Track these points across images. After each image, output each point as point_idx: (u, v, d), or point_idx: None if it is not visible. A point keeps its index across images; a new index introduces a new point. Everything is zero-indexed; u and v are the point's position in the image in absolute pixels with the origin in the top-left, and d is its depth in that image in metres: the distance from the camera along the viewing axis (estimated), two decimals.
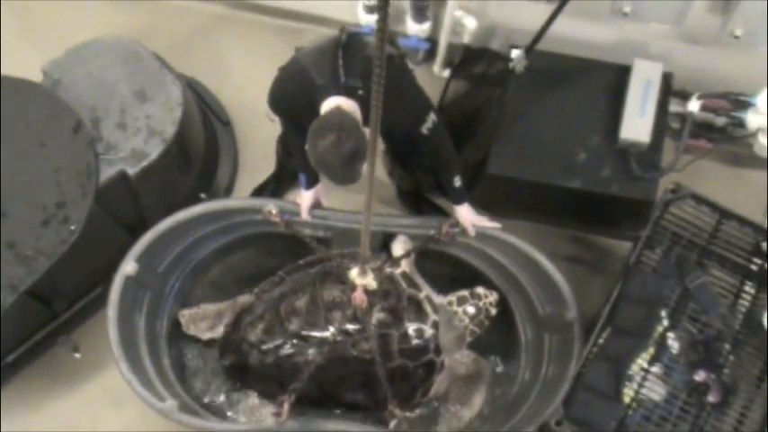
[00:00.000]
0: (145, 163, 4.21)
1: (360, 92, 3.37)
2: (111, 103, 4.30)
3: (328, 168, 3.28)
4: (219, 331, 4.31)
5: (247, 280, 4.48)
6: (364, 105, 3.32)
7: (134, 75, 4.37)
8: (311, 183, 4.04)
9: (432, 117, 3.68)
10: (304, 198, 4.08)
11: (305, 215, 4.10)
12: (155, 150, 4.23)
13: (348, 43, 3.51)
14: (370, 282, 3.54)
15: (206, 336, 4.35)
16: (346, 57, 3.45)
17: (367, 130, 3.11)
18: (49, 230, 3.99)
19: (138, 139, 4.24)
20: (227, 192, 4.96)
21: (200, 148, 4.77)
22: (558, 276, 4.07)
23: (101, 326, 4.15)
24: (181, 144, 4.37)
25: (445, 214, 4.41)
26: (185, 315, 4.38)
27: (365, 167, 3.11)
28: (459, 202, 3.99)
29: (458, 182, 3.91)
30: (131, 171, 4.19)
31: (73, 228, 4.00)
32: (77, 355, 4.49)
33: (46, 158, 4.07)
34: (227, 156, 5.05)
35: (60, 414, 4.42)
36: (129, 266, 4.07)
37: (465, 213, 4.00)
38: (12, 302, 3.92)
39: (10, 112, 4.13)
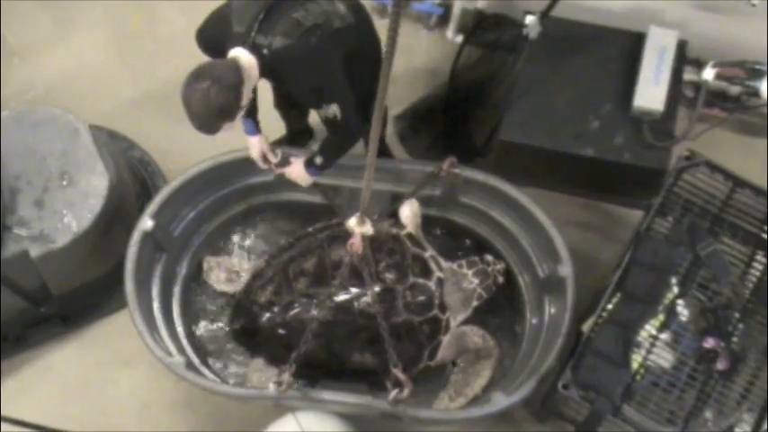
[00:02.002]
0: (49, 248, 4.13)
1: (264, 51, 3.37)
2: (36, 177, 4.22)
3: (190, 112, 3.31)
4: (233, 287, 4.39)
5: (258, 250, 4.59)
6: (265, 65, 3.37)
7: (66, 155, 4.27)
8: (255, 128, 3.96)
9: (333, 109, 3.55)
10: (252, 145, 3.99)
11: (260, 163, 4.03)
12: (62, 239, 4.15)
13: (279, 2, 3.47)
14: (368, 229, 3.55)
15: (221, 287, 4.42)
16: (269, 14, 3.41)
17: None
18: None
19: (50, 222, 4.16)
20: None
21: (129, 232, 4.42)
22: (549, 226, 4.12)
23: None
24: (99, 232, 4.26)
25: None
26: (210, 261, 4.46)
27: (228, 126, 3.33)
28: (305, 166, 3.91)
29: (319, 160, 3.82)
30: (34, 253, 4.11)
31: None
32: None
33: None
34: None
35: (69, 376, 4.46)
36: (146, 223, 4.12)
37: (296, 170, 3.94)
38: None
39: None
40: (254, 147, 3.98)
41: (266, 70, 3.42)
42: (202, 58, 3.53)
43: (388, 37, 2.10)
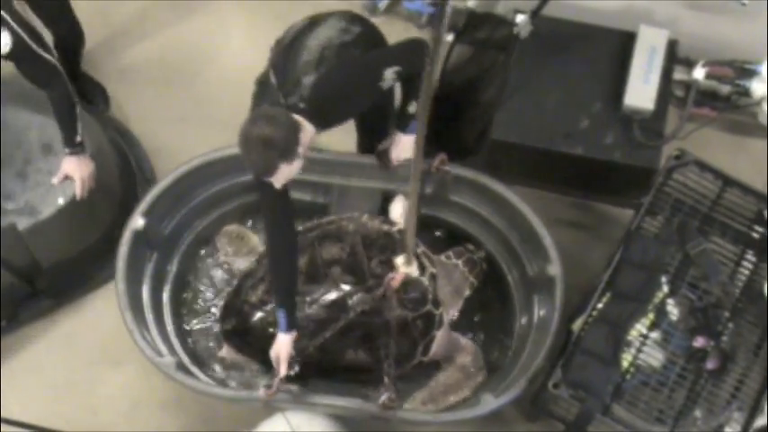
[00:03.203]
0: (37, 220, 4.15)
1: (302, 105, 3.36)
2: (17, 150, 4.23)
3: (247, 149, 3.26)
4: (238, 263, 4.42)
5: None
6: (312, 117, 3.34)
7: (46, 126, 4.25)
8: (292, 323, 3.73)
9: (387, 73, 3.49)
10: (282, 345, 3.75)
11: (284, 371, 3.77)
12: (48, 209, 4.16)
13: (264, 80, 3.53)
14: (413, 270, 3.60)
15: (222, 257, 4.47)
16: (284, 78, 3.46)
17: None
18: None
19: (35, 194, 4.17)
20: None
21: (112, 203, 4.62)
22: (538, 224, 4.12)
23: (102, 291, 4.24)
24: (83, 202, 4.24)
25: None
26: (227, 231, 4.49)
27: (287, 170, 3.25)
28: (406, 130, 3.84)
29: (413, 107, 3.73)
30: (22, 225, 4.12)
31: None
32: None
33: None
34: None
35: (59, 376, 4.44)
36: (137, 221, 4.12)
37: (407, 143, 3.81)
38: None
39: None
40: (285, 348, 3.74)
41: (317, 119, 3.38)
42: None
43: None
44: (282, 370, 3.77)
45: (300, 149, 3.27)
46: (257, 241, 4.46)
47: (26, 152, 4.23)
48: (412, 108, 3.72)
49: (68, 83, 3.98)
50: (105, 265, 4.49)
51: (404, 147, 3.85)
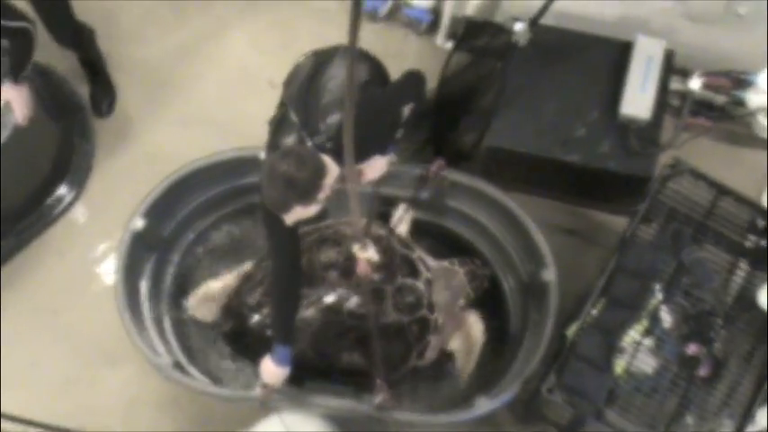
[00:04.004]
0: None
1: (329, 145, 3.34)
2: None
3: (269, 184, 3.22)
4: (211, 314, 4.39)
5: (247, 251, 4.54)
6: (337, 154, 3.27)
7: None
8: (288, 358, 3.68)
9: (405, 110, 3.56)
10: (278, 377, 3.70)
11: (268, 393, 3.78)
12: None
13: (281, 118, 3.51)
14: (372, 254, 3.56)
15: (210, 319, 4.39)
16: (307, 121, 3.42)
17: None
18: None
19: None
20: (82, 180, 4.87)
21: (51, 135, 4.70)
22: (534, 231, 4.15)
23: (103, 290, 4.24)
24: (25, 132, 4.27)
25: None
26: (191, 303, 4.41)
27: (301, 212, 3.23)
28: (385, 152, 3.77)
29: (399, 134, 3.74)
30: None
31: None
32: None
33: None
34: (84, 142, 4.93)
35: (58, 375, 4.44)
36: (137, 222, 4.13)
37: (381, 164, 3.73)
38: None
39: None
40: (269, 373, 3.70)
41: (339, 156, 3.27)
42: None
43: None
44: (267, 392, 3.77)
45: (321, 195, 3.23)
46: (222, 285, 4.38)
47: None
48: (399, 134, 3.72)
49: (32, 40, 4.04)
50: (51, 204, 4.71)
51: (378, 167, 3.75)
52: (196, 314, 4.38)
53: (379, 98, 3.49)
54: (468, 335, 4.33)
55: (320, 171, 3.19)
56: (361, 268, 3.64)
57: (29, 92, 4.23)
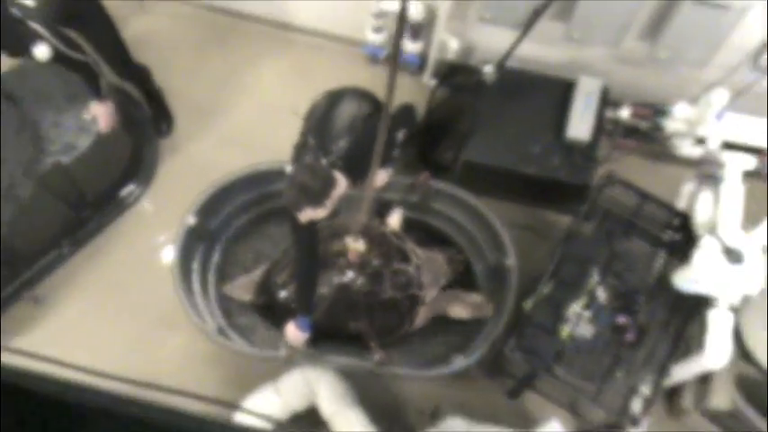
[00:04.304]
0: (77, 153, 4.18)
1: (339, 163, 3.34)
2: (48, 108, 4.25)
3: (288, 187, 3.28)
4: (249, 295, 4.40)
5: (272, 242, 4.57)
6: (344, 170, 3.33)
7: (66, 84, 4.29)
8: (308, 325, 3.75)
9: (398, 135, 3.55)
10: (300, 339, 3.79)
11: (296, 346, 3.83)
12: (83, 144, 4.20)
13: (302, 143, 3.50)
14: (360, 246, 3.63)
15: (246, 297, 4.39)
16: (322, 143, 3.41)
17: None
18: (5, 206, 4.00)
19: (70, 135, 4.20)
20: (148, 180, 4.86)
21: (125, 142, 4.68)
22: (498, 226, 4.16)
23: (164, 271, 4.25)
24: (104, 138, 4.29)
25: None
26: (227, 288, 4.41)
27: (310, 213, 3.25)
28: (385, 166, 3.78)
29: (396, 152, 3.71)
30: (65, 160, 4.16)
31: (21, 204, 4.01)
32: (39, 304, 4.48)
33: None
34: (150, 150, 4.91)
35: (127, 337, 4.44)
36: (189, 219, 4.15)
37: (384, 175, 3.76)
38: None
39: None
40: (293, 336, 3.79)
41: (349, 172, 3.36)
42: None
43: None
44: (291, 352, 3.81)
45: (328, 202, 3.26)
46: (253, 279, 4.42)
47: (55, 106, 4.23)
48: (395, 154, 3.72)
49: (93, 70, 4.05)
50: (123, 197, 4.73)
51: (381, 178, 3.76)
52: (233, 295, 4.38)
53: (377, 128, 3.50)
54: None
55: (330, 183, 3.24)
56: (352, 255, 3.70)
57: (112, 106, 4.25)
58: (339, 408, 3.89)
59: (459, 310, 4.28)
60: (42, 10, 3.74)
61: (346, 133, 3.38)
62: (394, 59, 2.41)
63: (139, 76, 4.78)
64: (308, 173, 3.23)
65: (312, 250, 3.61)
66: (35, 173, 4.07)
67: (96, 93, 4.16)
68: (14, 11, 3.70)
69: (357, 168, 3.39)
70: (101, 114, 4.22)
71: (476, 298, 4.32)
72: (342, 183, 3.31)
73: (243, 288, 4.39)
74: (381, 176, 3.69)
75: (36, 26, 3.71)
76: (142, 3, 5.31)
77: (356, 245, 3.71)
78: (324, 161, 3.35)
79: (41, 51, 3.74)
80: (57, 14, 3.81)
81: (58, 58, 3.82)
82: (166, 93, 5.00)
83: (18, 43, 3.79)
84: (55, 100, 4.27)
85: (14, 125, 4.15)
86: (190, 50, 5.24)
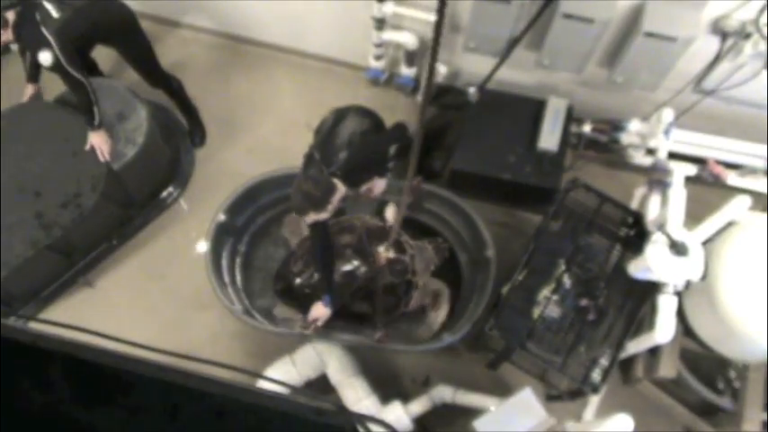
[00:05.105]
0: (124, 160, 4.18)
1: (338, 173, 3.32)
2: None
3: (294, 195, 3.29)
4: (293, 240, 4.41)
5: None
6: (343, 179, 3.31)
7: (114, 103, 4.28)
8: (332, 301, 3.71)
9: (391, 149, 3.49)
10: (323, 314, 3.73)
11: (319, 323, 3.77)
12: (131, 152, 4.19)
13: (310, 154, 3.49)
14: (390, 254, 3.70)
15: (293, 240, 4.41)
16: (324, 154, 3.38)
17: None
18: (67, 211, 4.01)
19: (119, 145, 4.18)
20: (184, 183, 4.84)
21: (164, 151, 4.69)
22: (480, 223, 4.15)
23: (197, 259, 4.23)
24: (147, 147, 4.30)
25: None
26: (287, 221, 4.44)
27: (314, 216, 3.26)
28: (383, 176, 3.75)
29: (392, 164, 3.67)
30: (115, 166, 4.16)
31: (83, 212, 4.02)
32: (91, 288, 4.51)
33: (74, 163, 4.06)
34: (186, 158, 4.91)
35: (166, 317, 4.45)
36: (220, 216, 4.14)
37: (382, 184, 3.72)
38: (32, 255, 3.93)
39: (55, 129, 4.14)
40: (317, 311, 3.73)
41: (347, 181, 3.34)
42: None
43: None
44: (315, 327, 3.78)
45: (330, 206, 3.27)
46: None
47: (108, 122, 4.20)
48: (391, 165, 3.69)
49: (90, 92, 3.87)
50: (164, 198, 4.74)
51: (380, 185, 3.74)
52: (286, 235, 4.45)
53: (374, 142, 3.48)
54: (436, 294, 4.33)
55: (330, 190, 3.24)
56: (380, 260, 3.70)
57: (106, 134, 4.11)
58: (345, 377, 3.90)
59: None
60: (61, 24, 3.69)
61: (346, 147, 3.38)
62: (429, 83, 2.37)
63: (170, 84, 4.71)
64: (311, 183, 3.23)
65: (326, 241, 3.60)
66: (100, 187, 4.06)
67: (89, 121, 4.00)
68: (37, 15, 3.67)
69: (354, 176, 3.39)
70: (98, 144, 4.08)
71: (436, 284, 4.30)
72: (341, 189, 3.31)
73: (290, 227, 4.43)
74: (380, 185, 3.69)
75: (48, 34, 3.65)
76: (179, 32, 5.30)
77: (386, 253, 3.75)
78: (325, 171, 3.35)
79: (45, 58, 3.68)
80: (71, 35, 3.74)
81: (57, 68, 3.73)
82: (200, 110, 5.00)
83: (30, 42, 3.75)
84: (107, 116, 4.26)
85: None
86: (219, 74, 5.23)
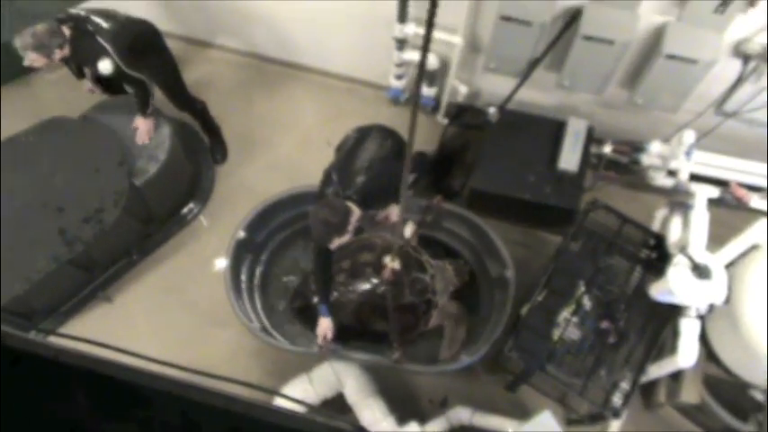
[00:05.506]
0: (146, 176, 4.23)
1: (354, 197, 3.35)
2: (123, 140, 4.28)
3: (314, 225, 3.28)
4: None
5: (306, 253, 4.53)
6: (359, 203, 3.34)
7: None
8: (327, 311, 3.74)
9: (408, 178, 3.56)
10: (323, 324, 3.74)
11: (329, 336, 3.76)
12: (152, 168, 4.24)
13: (329, 172, 3.52)
14: (396, 265, 3.60)
15: None
16: (342, 177, 3.43)
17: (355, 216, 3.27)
18: (88, 226, 4.03)
19: (141, 162, 4.24)
20: (205, 200, 4.88)
21: (185, 168, 4.74)
22: (499, 243, 4.12)
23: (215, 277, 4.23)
24: (169, 164, 4.34)
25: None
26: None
27: (338, 241, 3.26)
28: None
29: (410, 193, 3.82)
30: (138, 182, 4.20)
31: (104, 227, 4.05)
32: (110, 303, 4.53)
33: (97, 179, 4.10)
34: (207, 175, 4.95)
35: (184, 333, 4.45)
36: (240, 233, 4.15)
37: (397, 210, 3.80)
38: (54, 269, 3.95)
39: (79, 145, 4.19)
40: (325, 326, 3.74)
41: (363, 205, 3.37)
42: None
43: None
44: (325, 340, 3.77)
45: (349, 228, 3.28)
46: None
47: (128, 140, 4.27)
48: (409, 194, 3.73)
49: (148, 87, 4.14)
50: (185, 214, 4.77)
51: (396, 212, 3.80)
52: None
53: (392, 171, 3.48)
54: (455, 318, 4.30)
55: (347, 215, 3.26)
56: (386, 272, 3.67)
57: (152, 123, 4.31)
58: (362, 397, 3.88)
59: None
60: (113, 33, 3.87)
61: (364, 172, 3.41)
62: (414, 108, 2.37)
63: (195, 107, 4.79)
64: (327, 210, 3.25)
65: (326, 262, 3.61)
66: (122, 203, 4.10)
67: (144, 109, 4.22)
68: (90, 26, 3.83)
69: (370, 201, 3.41)
70: (141, 127, 4.28)
71: (453, 307, 4.27)
72: (356, 211, 3.33)
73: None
74: (396, 210, 3.70)
75: (104, 43, 3.82)
76: (207, 52, 5.37)
77: (393, 264, 3.68)
78: (342, 194, 3.36)
79: (104, 66, 3.85)
80: (125, 42, 3.91)
81: (117, 73, 3.90)
82: (222, 127, 5.04)
83: (88, 54, 3.88)
84: (130, 132, 4.32)
85: (117, 158, 4.18)
86: (242, 92, 5.27)
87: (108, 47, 3.83)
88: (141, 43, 4.09)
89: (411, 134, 2.25)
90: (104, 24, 3.88)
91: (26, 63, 3.78)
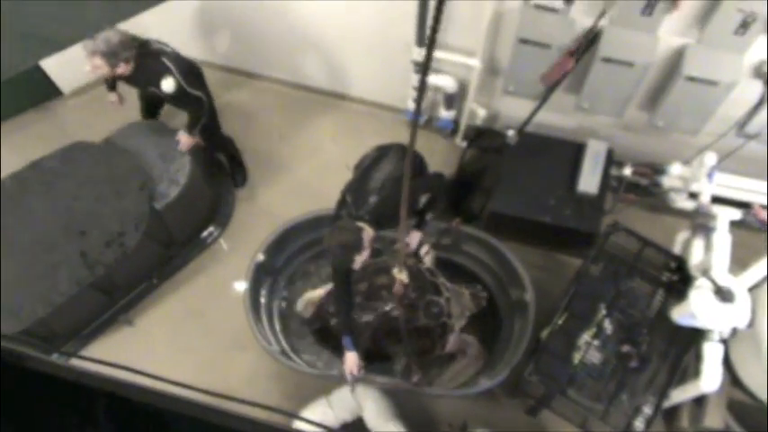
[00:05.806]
0: (167, 201, 4.26)
1: (366, 217, 3.36)
2: (144, 164, 4.32)
3: (330, 247, 3.29)
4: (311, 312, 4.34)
5: (325, 277, 4.53)
6: (371, 223, 3.34)
7: (158, 144, 4.40)
8: (353, 345, 3.66)
9: (422, 198, 3.59)
10: (350, 360, 3.67)
11: (355, 372, 3.70)
12: (173, 192, 4.27)
13: (345, 192, 3.54)
14: (404, 277, 3.58)
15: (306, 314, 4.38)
16: (356, 199, 3.45)
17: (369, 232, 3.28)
18: (110, 250, 4.06)
19: (162, 186, 4.28)
20: (225, 223, 4.91)
21: (205, 192, 4.76)
22: (519, 266, 4.11)
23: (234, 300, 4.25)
24: (190, 188, 4.37)
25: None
26: (299, 305, 4.37)
27: (359, 259, 3.27)
28: (420, 228, 3.82)
29: (429, 216, 3.77)
30: (158, 206, 4.23)
31: (126, 250, 4.08)
32: (131, 326, 4.54)
33: (119, 203, 4.14)
34: (227, 199, 4.98)
35: (204, 356, 4.46)
36: (259, 256, 4.17)
37: (417, 236, 3.80)
38: (76, 292, 3.98)
39: (101, 170, 4.23)
40: (352, 360, 3.67)
41: (375, 225, 3.38)
42: None
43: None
44: (352, 375, 3.73)
45: (366, 244, 3.29)
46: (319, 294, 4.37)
47: (149, 164, 4.32)
48: (428, 217, 3.74)
49: (205, 107, 4.22)
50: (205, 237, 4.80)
51: (416, 237, 3.81)
52: (303, 314, 4.34)
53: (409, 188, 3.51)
54: (474, 355, 4.27)
55: (359, 232, 3.27)
56: (396, 286, 3.66)
57: (195, 141, 4.39)
58: (382, 421, 3.86)
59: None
60: (176, 54, 4.04)
61: (377, 192, 3.42)
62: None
63: (225, 145, 4.89)
64: (342, 232, 3.27)
65: (347, 287, 3.61)
66: (143, 227, 4.15)
67: (193, 128, 4.30)
68: (154, 47, 3.98)
69: (383, 221, 3.42)
70: (184, 140, 4.36)
71: (474, 347, 4.24)
72: (369, 231, 3.34)
73: (309, 305, 4.37)
74: (415, 237, 3.72)
75: (168, 63, 3.95)
76: (229, 77, 5.44)
77: (401, 276, 3.66)
78: (354, 214, 3.38)
79: (168, 84, 3.96)
80: (185, 64, 4.06)
81: (178, 92, 4.01)
82: (243, 151, 5.09)
83: (152, 73, 3.98)
84: (151, 157, 4.38)
85: (139, 182, 4.23)
86: (264, 116, 5.33)
87: (172, 66, 3.95)
88: (195, 71, 4.21)
89: (410, 145, 2.23)
90: (166, 47, 4.04)
91: (87, 68, 3.84)
